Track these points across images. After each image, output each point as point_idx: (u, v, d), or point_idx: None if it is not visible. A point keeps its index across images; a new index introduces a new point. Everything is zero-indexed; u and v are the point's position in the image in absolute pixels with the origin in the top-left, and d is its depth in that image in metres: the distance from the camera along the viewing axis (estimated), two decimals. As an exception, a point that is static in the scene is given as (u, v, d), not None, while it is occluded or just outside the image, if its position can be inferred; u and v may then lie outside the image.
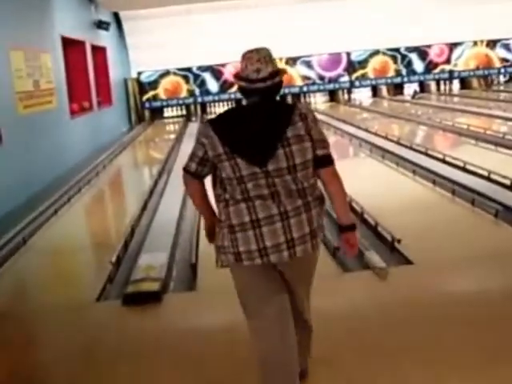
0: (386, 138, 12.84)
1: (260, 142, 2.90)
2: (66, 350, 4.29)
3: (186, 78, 21.84)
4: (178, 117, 22.00)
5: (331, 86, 22.44)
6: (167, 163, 12.09)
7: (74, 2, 15.27)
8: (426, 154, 10.47)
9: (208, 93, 21.93)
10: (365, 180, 8.55)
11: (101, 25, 17.50)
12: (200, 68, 21.77)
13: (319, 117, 3.74)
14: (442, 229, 6.35)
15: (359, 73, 22.48)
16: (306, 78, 21.98)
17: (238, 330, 4.24)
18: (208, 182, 3.14)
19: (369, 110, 19.70)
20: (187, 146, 14.24)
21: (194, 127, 18.74)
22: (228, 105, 22.12)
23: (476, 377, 3.47)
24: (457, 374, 3.50)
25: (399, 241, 5.64)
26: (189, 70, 21.79)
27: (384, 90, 23.14)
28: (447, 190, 7.74)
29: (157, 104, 21.92)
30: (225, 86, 21.88)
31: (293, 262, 2.98)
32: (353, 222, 3.12)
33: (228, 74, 21.85)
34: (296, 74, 21.70)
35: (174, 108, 22.31)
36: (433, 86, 23.29)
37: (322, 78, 22.18)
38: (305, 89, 21.99)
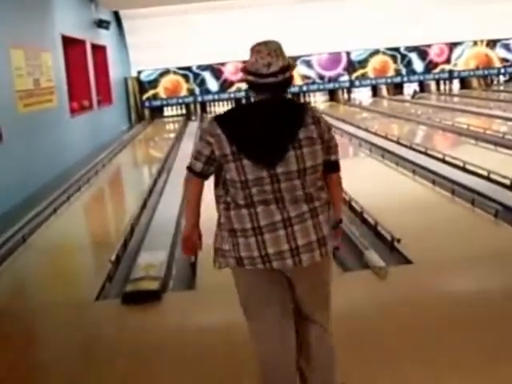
0: (385, 137, 12.84)
1: (270, 142, 2.77)
2: (65, 348, 4.29)
3: (185, 77, 21.83)
4: (177, 116, 21.99)
5: (331, 86, 22.44)
6: (167, 162, 12.09)
7: (75, 0, 15.27)
8: (426, 154, 10.47)
9: (208, 92, 21.93)
10: (364, 180, 8.54)
11: (101, 24, 17.50)
12: (200, 67, 21.77)
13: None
14: (441, 228, 6.35)
15: (359, 72, 22.48)
16: (305, 77, 21.97)
17: (237, 329, 4.23)
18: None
19: (369, 110, 19.70)
20: (187, 145, 14.27)
21: (193, 126, 18.76)
22: (228, 104, 22.13)
23: (476, 376, 3.47)
24: (457, 373, 3.49)
25: (399, 240, 5.64)
26: (189, 69, 21.79)
27: (384, 90, 23.14)
28: (447, 189, 7.74)
29: (157, 103, 21.91)
30: (225, 85, 21.88)
31: (301, 270, 2.86)
32: (341, 218, 3.08)
33: (228, 73, 21.86)
34: (296, 74, 21.63)
35: (174, 107, 22.31)
36: (433, 85, 23.29)
37: (321, 77, 22.18)
38: (304, 88, 21.98)
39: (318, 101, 22.43)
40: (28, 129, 10.28)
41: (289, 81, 2.90)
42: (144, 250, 6.16)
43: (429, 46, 22.62)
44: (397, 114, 17.19)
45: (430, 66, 22.81)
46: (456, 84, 23.42)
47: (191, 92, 21.92)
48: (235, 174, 2.80)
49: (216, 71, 21.85)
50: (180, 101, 22.05)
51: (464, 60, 22.89)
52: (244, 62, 2.96)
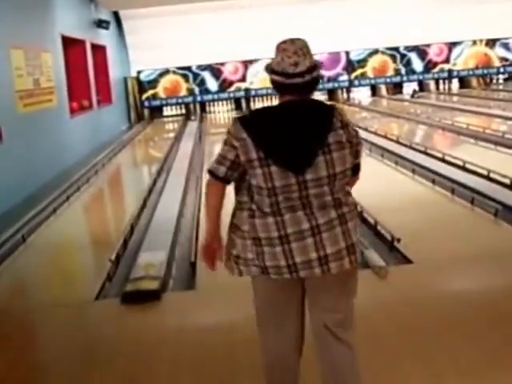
0: (385, 137, 12.85)
1: (299, 146, 2.63)
2: (64, 348, 4.29)
3: (185, 76, 21.83)
4: (177, 115, 21.99)
5: (330, 85, 22.43)
6: (166, 162, 12.09)
7: (75, 0, 15.26)
8: (426, 153, 10.47)
9: (207, 92, 21.93)
10: (364, 179, 8.43)
11: (101, 24, 17.50)
12: (199, 67, 21.77)
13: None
14: (441, 228, 6.35)
15: (358, 72, 22.49)
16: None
17: (237, 329, 4.25)
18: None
19: (368, 109, 19.70)
20: (186, 145, 14.29)
21: (193, 126, 18.76)
22: (227, 104, 22.15)
23: (476, 376, 3.47)
24: (457, 373, 3.49)
25: (399, 240, 5.64)
26: (188, 68, 21.79)
27: (383, 89, 23.15)
28: (447, 189, 7.74)
29: (156, 103, 21.91)
30: (224, 85, 21.89)
31: (328, 278, 2.75)
32: None
33: (227, 72, 21.87)
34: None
35: (174, 107, 22.32)
36: (432, 85, 23.29)
37: (321, 76, 22.13)
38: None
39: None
40: (28, 129, 10.27)
41: (316, 81, 2.79)
42: (144, 249, 6.16)
43: (428, 45, 22.63)
44: (396, 113, 17.20)
45: (430, 66, 22.82)
46: (455, 83, 23.44)
47: (191, 92, 21.92)
48: (262, 180, 2.66)
49: (215, 71, 21.85)
50: (179, 100, 22.05)
51: (463, 59, 22.89)
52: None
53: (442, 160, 9.69)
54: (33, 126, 10.54)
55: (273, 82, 2.78)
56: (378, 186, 8.25)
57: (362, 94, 22.86)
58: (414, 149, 11.05)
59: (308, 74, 2.71)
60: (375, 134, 13.45)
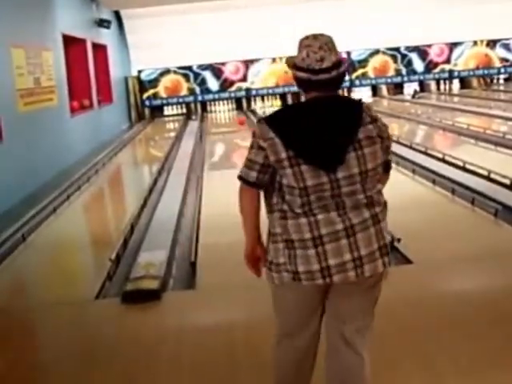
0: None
1: (329, 144, 2.54)
2: (64, 347, 4.28)
3: (186, 76, 21.84)
4: (178, 115, 21.99)
5: (331, 85, 22.39)
6: (167, 161, 12.09)
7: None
8: (426, 154, 10.47)
9: (208, 91, 21.93)
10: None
11: (102, 23, 17.50)
12: (200, 66, 21.77)
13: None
14: (441, 228, 6.35)
15: (359, 72, 22.49)
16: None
17: (237, 329, 4.25)
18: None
19: (369, 110, 19.65)
20: (187, 144, 14.28)
21: (194, 125, 18.75)
22: (228, 103, 22.15)
23: (477, 376, 3.46)
24: (457, 373, 3.49)
25: (399, 240, 5.63)
26: (189, 68, 21.79)
27: (384, 90, 23.15)
28: (447, 189, 7.74)
29: (157, 102, 21.91)
30: (225, 85, 21.89)
31: (358, 283, 2.66)
32: None
33: (228, 72, 21.87)
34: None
35: (174, 106, 22.32)
36: (433, 85, 23.30)
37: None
38: (305, 88, 21.94)
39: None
40: (28, 127, 10.27)
41: (342, 77, 2.70)
42: (144, 249, 6.16)
43: (429, 45, 22.65)
44: (397, 113, 17.19)
45: (430, 66, 22.83)
46: (456, 84, 23.44)
47: (191, 91, 21.93)
48: (293, 180, 2.56)
49: (216, 71, 21.86)
50: (180, 100, 22.05)
51: (464, 60, 22.91)
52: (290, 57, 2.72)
53: (443, 160, 9.69)
54: (33, 125, 10.54)
55: (297, 79, 2.68)
56: (378, 186, 8.25)
57: (362, 94, 22.81)
58: (414, 149, 11.04)
59: (334, 69, 2.62)
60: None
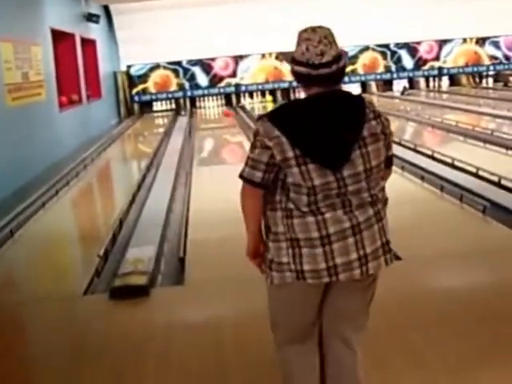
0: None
1: (335, 141, 2.48)
2: (52, 343, 4.27)
3: (175, 71, 21.79)
4: (167, 111, 21.95)
5: (321, 82, 22.40)
6: (156, 157, 12.06)
7: (64, -6, 15.21)
8: (415, 151, 10.49)
9: (198, 87, 21.91)
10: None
11: (90, 17, 17.42)
12: (190, 62, 21.73)
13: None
14: (430, 225, 6.36)
15: (349, 68, 22.45)
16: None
17: (226, 325, 4.24)
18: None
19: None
20: (176, 140, 14.25)
21: (183, 121, 18.71)
22: (217, 99, 22.13)
23: (465, 373, 3.47)
24: (447, 370, 3.49)
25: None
26: (178, 63, 21.75)
27: (373, 86, 23.18)
28: (436, 186, 7.76)
29: (146, 97, 21.87)
30: (214, 80, 21.87)
31: (356, 282, 2.63)
32: None
33: (218, 68, 21.84)
34: (286, 69, 21.63)
35: (164, 102, 22.27)
36: (422, 82, 23.36)
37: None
38: (294, 84, 21.92)
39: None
40: (16, 122, 10.22)
41: (343, 71, 2.62)
42: (132, 244, 6.14)
43: (418, 42, 22.70)
44: (386, 110, 17.16)
45: (420, 63, 22.88)
46: (445, 81, 23.50)
47: (181, 87, 21.89)
48: (300, 178, 2.49)
49: (206, 66, 21.82)
50: (169, 95, 22.01)
51: (453, 57, 22.97)
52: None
53: (432, 157, 9.71)
54: (21, 120, 10.49)
55: (296, 73, 2.60)
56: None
57: (352, 91, 22.81)
58: (403, 146, 11.05)
59: (335, 63, 2.54)
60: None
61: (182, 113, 21.26)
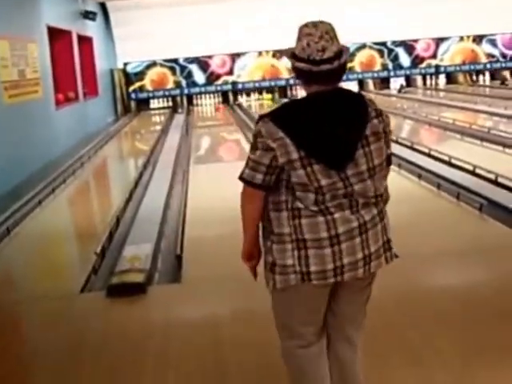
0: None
1: (340, 141, 2.43)
2: (49, 341, 4.27)
3: (172, 69, 21.77)
4: (164, 108, 21.93)
5: (318, 80, 22.39)
6: (153, 155, 12.05)
7: (61, -9, 15.18)
8: (412, 148, 10.50)
9: (194, 84, 21.88)
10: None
11: (87, 15, 17.39)
12: (187, 59, 21.71)
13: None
14: (427, 223, 6.36)
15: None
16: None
17: (223, 323, 4.24)
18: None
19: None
20: (173, 138, 14.24)
21: (180, 119, 18.71)
22: (214, 97, 22.12)
23: (462, 371, 3.48)
24: (444, 368, 3.50)
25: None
26: (175, 61, 21.73)
27: (370, 84, 23.19)
28: (432, 184, 7.76)
29: (143, 95, 21.84)
30: (211, 78, 21.85)
31: (360, 281, 2.63)
32: None
33: (215, 65, 21.83)
34: (283, 67, 21.65)
35: (160, 99, 22.25)
36: (419, 80, 23.37)
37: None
38: (291, 81, 21.94)
39: (305, 94, 22.39)
40: (13, 120, 10.20)
41: (344, 67, 2.56)
42: (129, 242, 6.14)
43: (415, 40, 22.71)
44: (383, 108, 17.00)
45: (417, 61, 22.90)
46: (442, 79, 23.52)
47: (178, 84, 21.87)
48: (306, 179, 2.44)
49: (203, 64, 21.81)
50: (166, 93, 21.99)
51: (450, 55, 22.99)
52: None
53: (428, 155, 9.72)
54: (18, 118, 10.47)
55: (297, 70, 2.53)
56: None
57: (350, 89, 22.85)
58: (400, 144, 11.05)
59: (336, 59, 2.49)
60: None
61: (179, 110, 21.24)
